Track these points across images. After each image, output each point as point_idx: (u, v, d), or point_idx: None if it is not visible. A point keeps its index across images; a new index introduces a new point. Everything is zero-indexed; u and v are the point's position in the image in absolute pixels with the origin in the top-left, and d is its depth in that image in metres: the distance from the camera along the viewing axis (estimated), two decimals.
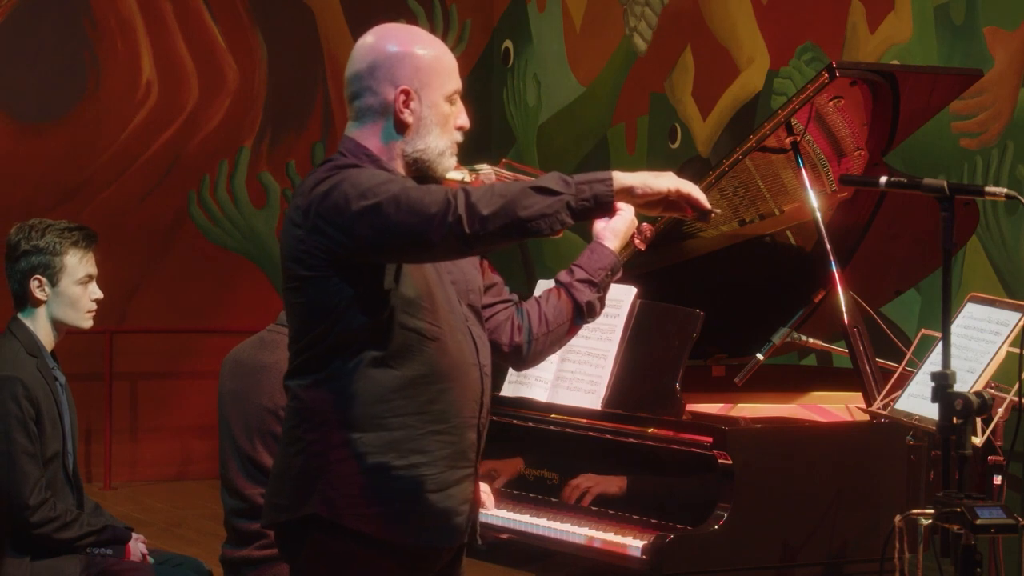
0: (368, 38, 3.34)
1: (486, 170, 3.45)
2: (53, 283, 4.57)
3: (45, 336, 4.59)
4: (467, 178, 3.39)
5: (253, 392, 4.34)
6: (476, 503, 3.37)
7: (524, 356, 3.51)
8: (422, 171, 3.31)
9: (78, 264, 4.58)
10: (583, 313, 3.49)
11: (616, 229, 3.48)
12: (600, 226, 3.48)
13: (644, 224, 3.55)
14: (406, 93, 3.26)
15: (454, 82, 3.32)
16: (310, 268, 3.20)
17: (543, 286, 4.58)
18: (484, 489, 4.33)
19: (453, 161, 3.34)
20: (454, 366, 3.27)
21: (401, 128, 3.28)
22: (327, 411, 3.22)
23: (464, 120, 3.35)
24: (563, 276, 3.49)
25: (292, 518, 3.25)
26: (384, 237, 3.11)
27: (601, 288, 3.48)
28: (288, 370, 3.32)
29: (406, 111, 3.27)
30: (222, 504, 4.42)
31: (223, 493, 4.42)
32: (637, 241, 3.57)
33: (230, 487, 4.37)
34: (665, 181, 3.19)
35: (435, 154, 3.29)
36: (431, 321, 3.24)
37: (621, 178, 3.14)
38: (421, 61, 3.28)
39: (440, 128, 3.29)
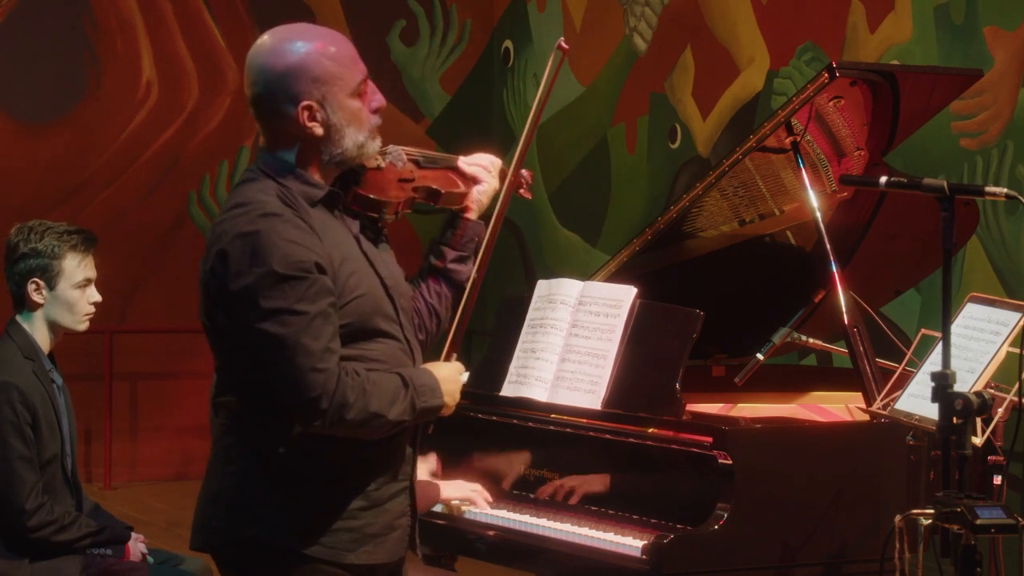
0: (257, 54, 3.21)
1: (395, 151, 3.40)
2: (51, 286, 4.55)
3: (42, 338, 4.58)
4: (381, 163, 3.33)
5: None
6: (414, 515, 3.34)
7: (426, 350, 3.48)
8: (347, 166, 3.25)
9: (76, 268, 4.57)
10: (463, 290, 3.47)
11: (480, 202, 3.51)
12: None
13: (525, 171, 3.62)
14: (309, 108, 3.16)
15: (356, 73, 3.21)
16: (232, 315, 3.11)
17: (542, 286, 4.59)
18: (475, 488, 4.34)
19: (377, 143, 3.27)
20: None
21: (313, 141, 3.19)
22: (258, 430, 3.16)
23: (378, 101, 3.26)
24: (436, 263, 3.45)
25: (228, 541, 3.19)
26: (258, 367, 3.07)
27: (473, 256, 3.47)
28: (219, 384, 3.23)
29: (313, 124, 3.17)
30: None
31: None
32: (523, 191, 3.64)
33: None
34: (455, 400, 3.31)
35: (355, 149, 3.22)
36: (371, 344, 3.20)
37: (445, 406, 3.27)
38: (315, 69, 3.16)
39: (354, 126, 3.20)
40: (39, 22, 9.64)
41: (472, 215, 3.49)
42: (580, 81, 9.86)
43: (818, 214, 4.66)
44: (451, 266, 3.45)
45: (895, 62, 7.54)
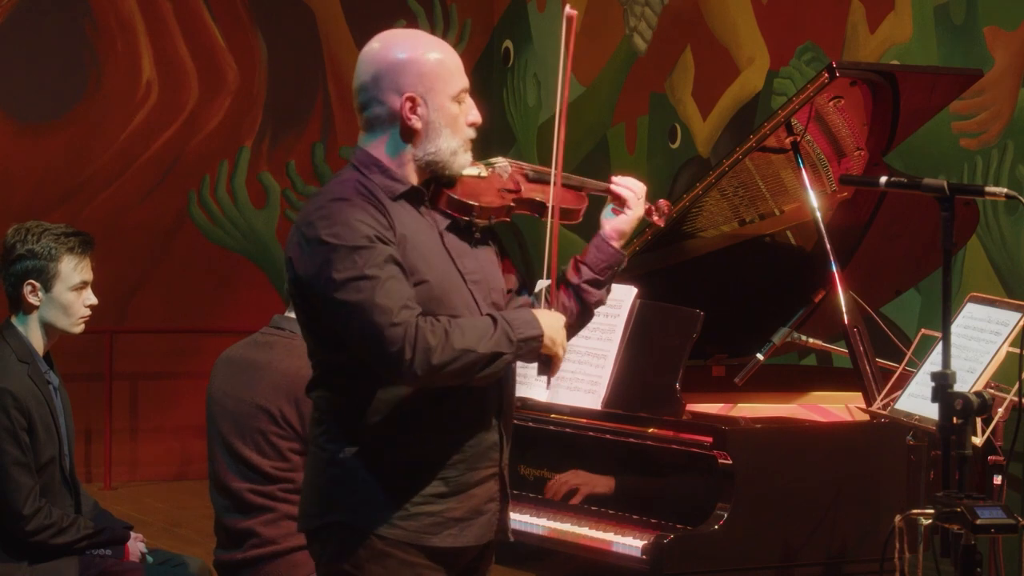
0: (370, 49, 3.36)
1: (502, 163, 3.48)
2: (47, 289, 4.53)
3: (37, 341, 4.56)
4: (483, 173, 3.42)
5: (245, 390, 4.35)
6: (504, 501, 3.40)
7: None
8: (436, 172, 3.35)
9: (73, 271, 4.55)
10: (591, 313, 3.55)
11: (622, 231, 3.56)
12: (608, 225, 3.56)
13: (661, 201, 3.63)
14: (411, 100, 3.29)
15: (460, 81, 3.35)
16: (304, 297, 3.26)
17: (542, 286, 4.59)
18: None
19: (468, 158, 3.38)
20: None
21: (410, 134, 3.32)
22: (346, 421, 3.28)
23: (475, 116, 3.40)
24: (572, 277, 3.52)
25: (319, 525, 3.33)
26: (341, 330, 3.20)
27: (605, 284, 3.55)
28: (310, 380, 3.37)
29: (413, 117, 3.30)
30: (212, 505, 4.43)
31: (212, 493, 4.43)
32: (656, 219, 3.63)
33: (219, 484, 4.38)
34: (559, 343, 3.34)
35: (447, 154, 3.33)
36: None
37: (546, 337, 3.30)
38: (424, 66, 3.31)
39: (450, 129, 3.33)
40: (39, 22, 9.64)
41: (615, 243, 3.55)
42: (580, 81, 9.86)
43: (818, 214, 4.66)
44: (584, 285, 3.51)
45: (895, 62, 7.54)
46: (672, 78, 9.22)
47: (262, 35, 10.10)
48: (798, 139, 4.76)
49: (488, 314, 3.29)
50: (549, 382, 3.45)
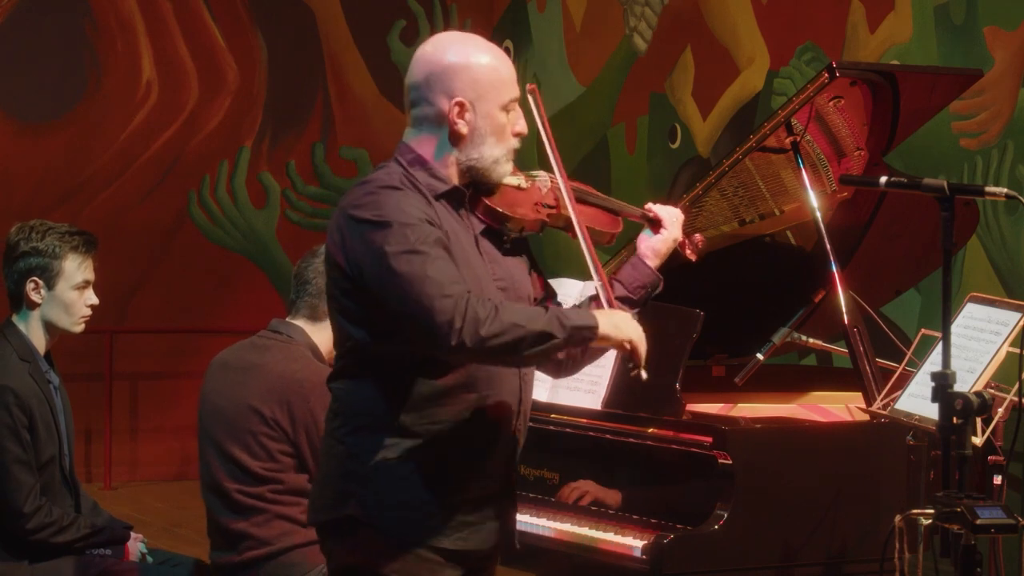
0: (427, 47, 3.37)
1: (543, 177, 3.49)
2: (49, 286, 4.54)
3: (38, 339, 4.57)
4: (523, 184, 3.42)
5: (239, 391, 4.36)
6: (512, 508, 3.43)
7: (561, 369, 3.59)
8: (476, 178, 3.35)
9: (76, 269, 4.55)
10: None
11: (658, 250, 3.58)
12: (643, 244, 3.57)
13: (697, 235, 3.64)
14: (460, 105, 3.30)
15: (511, 92, 3.35)
16: (350, 280, 3.26)
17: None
18: None
19: (509, 167, 3.38)
20: (492, 374, 3.32)
21: (455, 138, 3.32)
22: (364, 416, 3.29)
23: (522, 126, 3.39)
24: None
25: (331, 518, 3.34)
26: (391, 304, 3.18)
27: (639, 305, 3.55)
28: (331, 372, 3.39)
29: (460, 122, 3.31)
30: (205, 504, 4.44)
31: (204, 493, 4.43)
32: (688, 252, 3.66)
33: (211, 484, 4.39)
34: (626, 331, 3.30)
35: (489, 162, 3.34)
36: None
37: (602, 328, 3.25)
38: (477, 73, 3.31)
39: (495, 137, 3.34)
40: (39, 22, 9.64)
41: (651, 262, 3.56)
42: (580, 81, 9.86)
43: (818, 214, 4.66)
44: (615, 302, 3.48)
45: (895, 62, 7.53)
46: (672, 78, 9.22)
47: (262, 35, 10.10)
48: (798, 139, 4.76)
49: (542, 306, 3.31)
50: (643, 374, 3.34)
